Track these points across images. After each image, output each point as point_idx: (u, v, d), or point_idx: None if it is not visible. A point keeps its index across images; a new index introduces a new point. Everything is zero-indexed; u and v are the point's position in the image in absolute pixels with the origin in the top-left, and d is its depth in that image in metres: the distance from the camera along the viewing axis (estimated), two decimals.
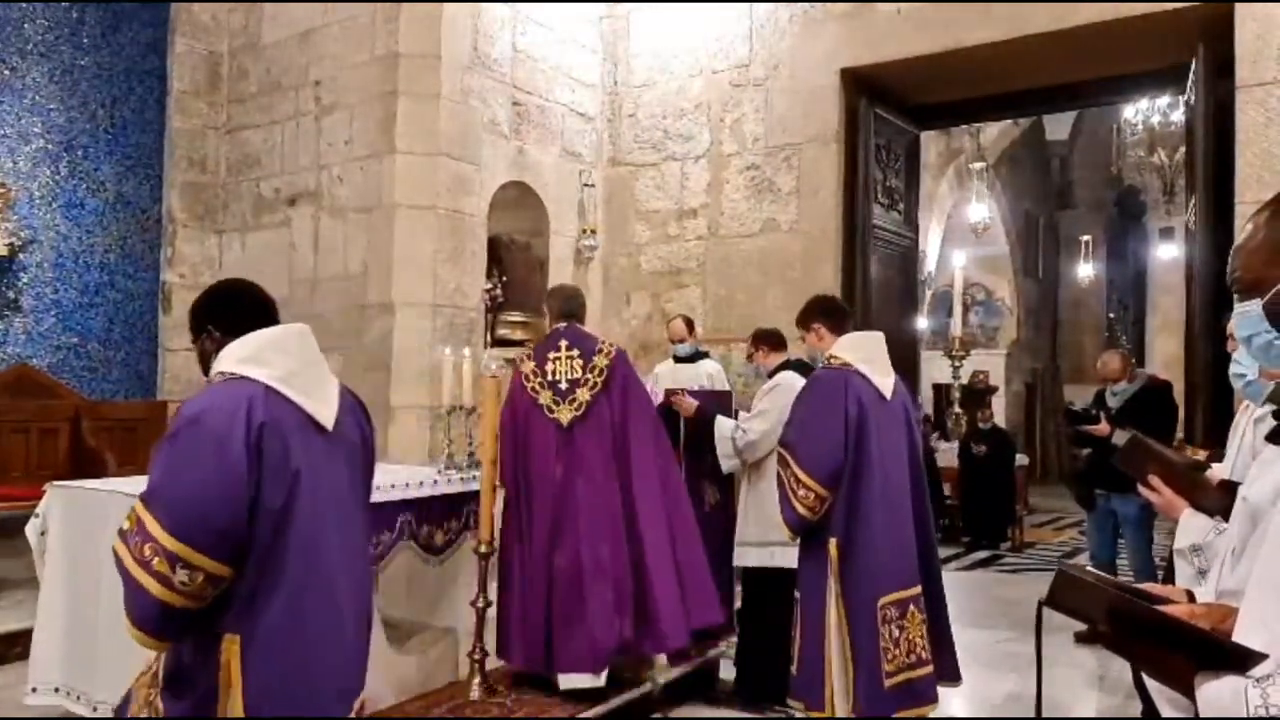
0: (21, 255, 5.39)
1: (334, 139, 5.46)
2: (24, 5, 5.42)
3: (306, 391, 1.78)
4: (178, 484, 1.58)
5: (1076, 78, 5.46)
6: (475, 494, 3.55)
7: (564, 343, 3.60)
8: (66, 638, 2.89)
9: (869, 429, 2.89)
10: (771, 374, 3.95)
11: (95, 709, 2.78)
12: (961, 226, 12.18)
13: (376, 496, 3.22)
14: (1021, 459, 9.48)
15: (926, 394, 12.16)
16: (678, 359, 4.80)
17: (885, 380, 3.03)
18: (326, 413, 1.80)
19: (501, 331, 5.77)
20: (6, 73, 5.36)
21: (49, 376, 5.38)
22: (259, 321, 1.87)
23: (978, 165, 11.84)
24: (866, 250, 5.50)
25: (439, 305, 5.17)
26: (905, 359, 6.02)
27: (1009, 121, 11.81)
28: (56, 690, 2.89)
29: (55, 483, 3.10)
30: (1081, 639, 4.61)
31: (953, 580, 7.02)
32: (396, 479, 3.39)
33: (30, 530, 3.02)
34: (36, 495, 3.10)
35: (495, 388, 3.52)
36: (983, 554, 8.16)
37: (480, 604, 3.46)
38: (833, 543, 2.88)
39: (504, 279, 5.90)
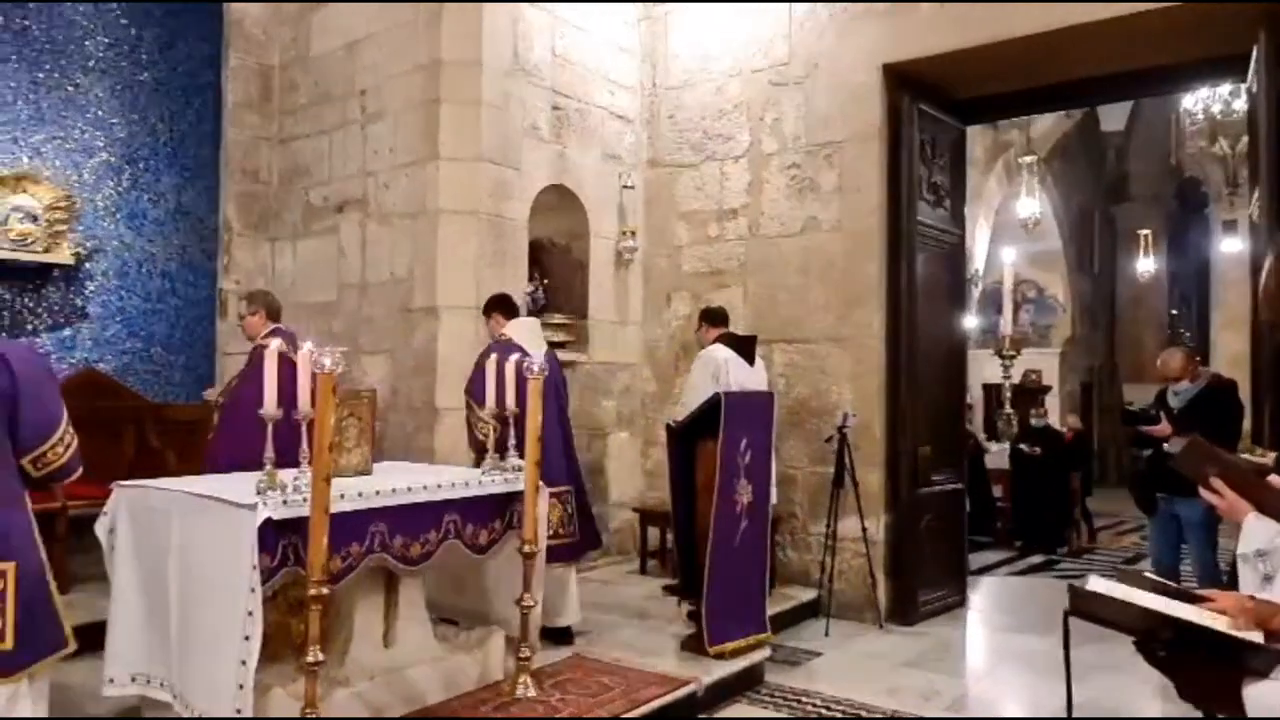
0: (88, 264, 5.61)
1: (379, 146, 5.57)
2: (85, 24, 5.64)
3: None
4: None
5: (1131, 67, 5.29)
6: (519, 494, 3.60)
7: (299, 341, 4.32)
8: (142, 629, 2.99)
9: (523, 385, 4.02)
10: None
11: (175, 695, 2.87)
12: (1011, 222, 11.92)
13: (422, 496, 3.31)
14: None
15: (976, 394, 11.93)
16: None
17: (535, 351, 4.28)
18: None
19: (544, 333, 5.81)
20: (70, 89, 5.59)
21: (114, 380, 5.58)
22: None
23: (1028, 159, 11.57)
24: (912, 248, 5.43)
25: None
26: (953, 356, 5.94)
27: (1061, 113, 11.52)
28: (133, 679, 3.00)
29: (121, 482, 3.21)
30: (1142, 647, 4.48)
31: (1003, 586, 6.92)
32: (442, 479, 3.45)
33: (99, 528, 3.13)
34: (104, 494, 3.22)
35: (539, 389, 3.57)
36: (1037, 559, 7.97)
37: (526, 603, 3.51)
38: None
39: (545, 281, 5.96)
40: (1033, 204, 11.63)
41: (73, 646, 2.94)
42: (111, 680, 3.01)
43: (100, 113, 5.71)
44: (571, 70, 5.86)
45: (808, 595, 5.32)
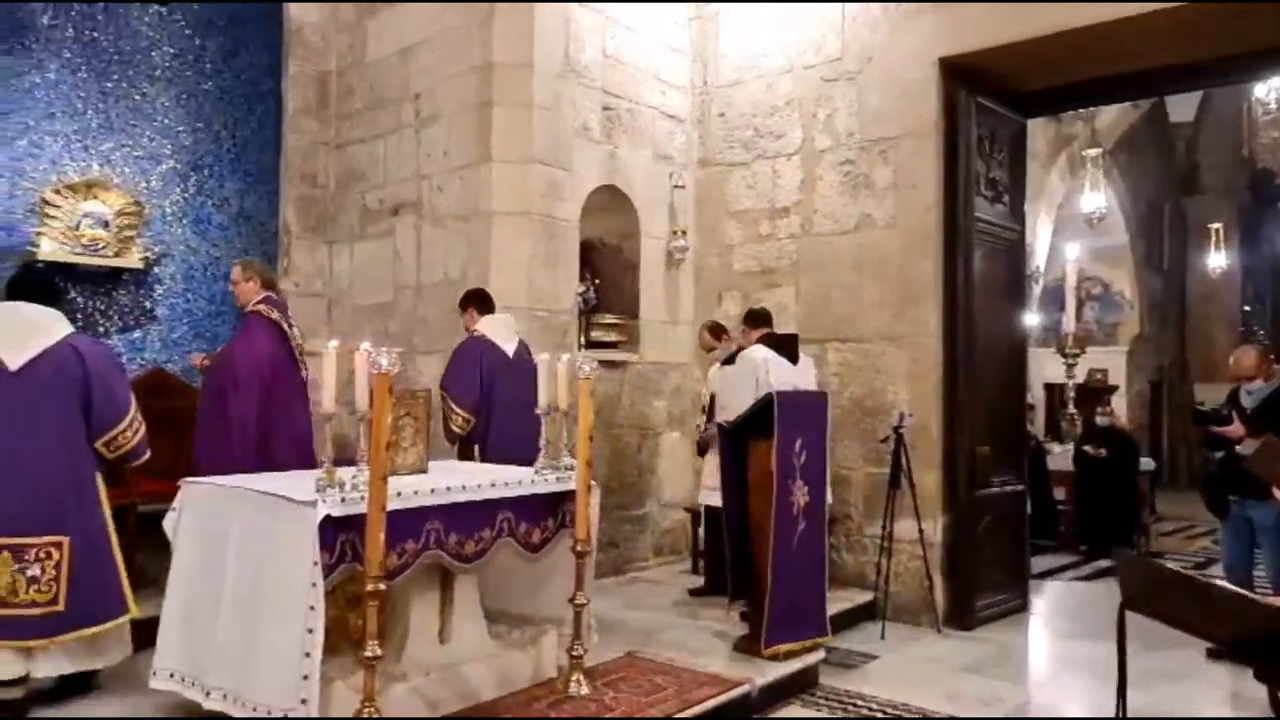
0: (156, 268, 5.81)
1: (433, 150, 5.65)
2: (151, 35, 5.84)
3: (3, 342, 3.21)
4: None
5: (1200, 56, 5.10)
6: (571, 493, 3.61)
7: (289, 312, 4.61)
8: (185, 626, 3.06)
9: (495, 377, 4.56)
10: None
11: (209, 694, 2.93)
12: (1075, 217, 11.56)
13: (476, 495, 3.34)
14: (1147, 463, 8.94)
15: (1038, 394, 11.61)
16: (723, 363, 5.09)
17: (508, 345, 4.66)
18: (13, 357, 3.20)
19: (595, 334, 5.85)
20: (138, 98, 5.79)
21: (181, 380, 5.76)
22: (16, 297, 3.35)
23: (1092, 152, 11.19)
24: (969, 245, 5.31)
25: (534, 309, 5.28)
26: (1012, 355, 5.79)
27: (1127, 104, 11.14)
28: (171, 676, 3.06)
29: (188, 479, 3.31)
30: (1214, 654, 4.33)
31: (1067, 590, 6.71)
32: (496, 478, 3.47)
33: (167, 524, 3.22)
34: (173, 491, 3.33)
35: (589, 389, 3.57)
36: (1103, 563, 7.72)
37: (578, 601, 3.52)
38: (476, 448, 4.57)
39: (596, 281, 5.99)
40: (1098, 198, 11.25)
41: (134, 613, 3.38)
42: (155, 673, 3.11)
43: (167, 121, 5.91)
44: (622, 71, 5.87)
45: (863, 597, 5.24)
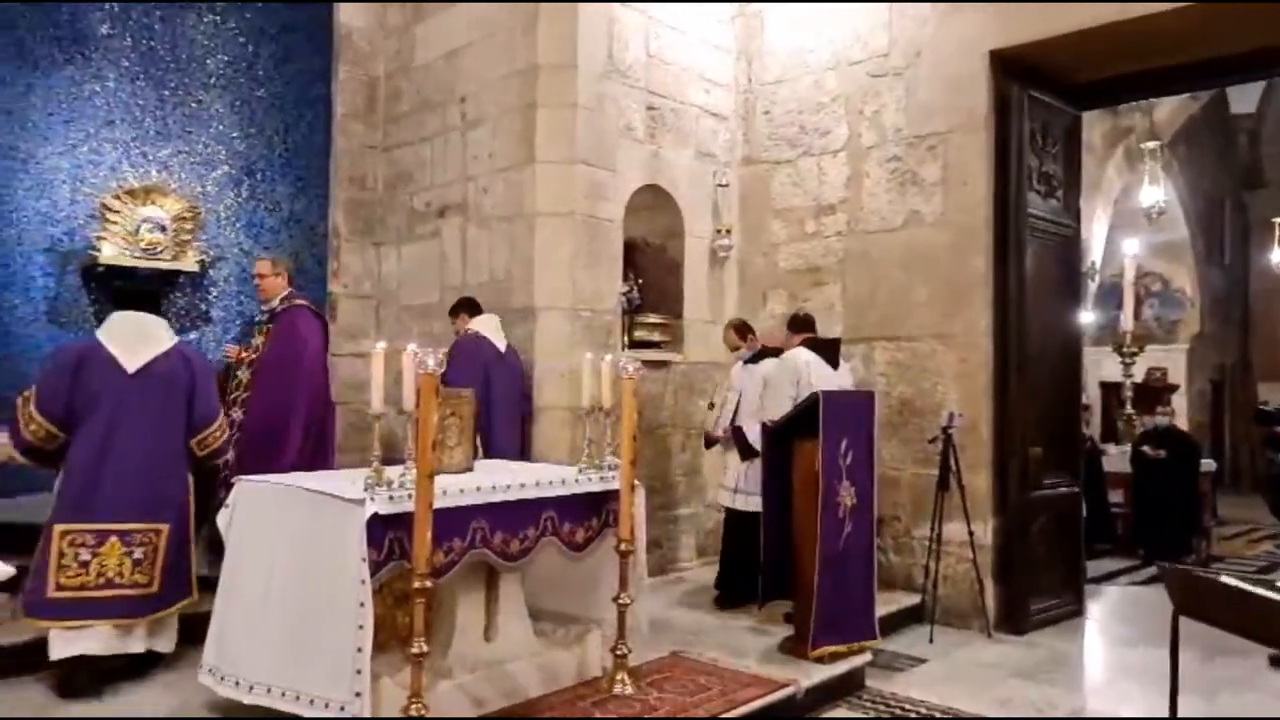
0: (211, 271, 5.96)
1: (479, 152, 5.70)
2: (206, 43, 5.99)
3: (122, 346, 3.57)
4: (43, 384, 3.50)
5: (1262, 44, 4.91)
6: (615, 493, 3.61)
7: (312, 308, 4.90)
8: (231, 621, 3.11)
9: (490, 370, 4.90)
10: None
11: (251, 689, 2.98)
12: (1132, 212, 11.23)
13: (521, 494, 3.36)
14: (1208, 464, 8.66)
15: (1094, 393, 11.31)
16: (745, 362, 5.18)
17: (500, 342, 5.03)
18: (130, 361, 3.54)
19: (638, 333, 5.84)
20: (194, 105, 5.95)
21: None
22: (126, 306, 3.75)
23: (1150, 145, 10.86)
24: (1021, 241, 5.19)
25: (578, 309, 5.29)
26: (1066, 353, 5.64)
27: (1186, 96, 10.78)
28: (210, 671, 3.12)
29: (241, 477, 3.40)
30: (1276, 662, 4.19)
31: (1124, 595, 6.52)
32: (540, 477, 3.49)
33: (221, 521, 3.31)
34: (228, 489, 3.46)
35: (633, 389, 3.57)
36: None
37: (623, 600, 3.52)
38: (480, 441, 4.36)
39: (640, 281, 5.98)
40: (1156, 192, 10.92)
41: (195, 597, 3.65)
42: (200, 668, 3.19)
43: (221, 127, 6.05)
44: (666, 70, 5.85)
45: (910, 600, 5.15)
